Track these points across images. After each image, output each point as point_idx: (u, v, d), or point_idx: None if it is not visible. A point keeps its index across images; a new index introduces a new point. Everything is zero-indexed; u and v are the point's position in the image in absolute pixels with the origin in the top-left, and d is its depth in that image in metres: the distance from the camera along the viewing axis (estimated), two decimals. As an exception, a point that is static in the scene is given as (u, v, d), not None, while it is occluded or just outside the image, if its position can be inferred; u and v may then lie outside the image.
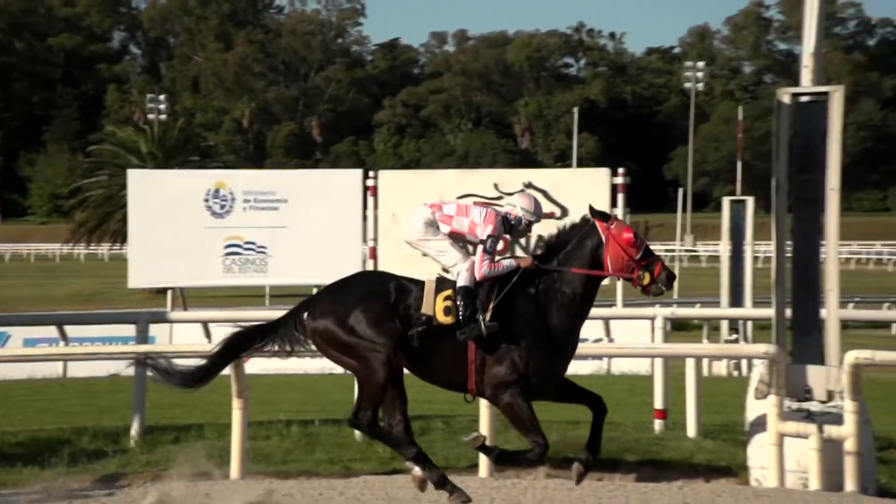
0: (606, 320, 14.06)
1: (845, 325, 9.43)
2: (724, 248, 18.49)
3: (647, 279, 6.57)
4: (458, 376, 6.64)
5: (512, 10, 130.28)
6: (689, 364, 9.73)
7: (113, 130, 43.59)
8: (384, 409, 6.69)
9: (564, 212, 14.70)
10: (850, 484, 7.51)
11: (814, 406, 7.94)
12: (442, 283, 6.68)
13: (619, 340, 14.27)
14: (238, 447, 8.12)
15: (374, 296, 6.65)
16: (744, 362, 15.04)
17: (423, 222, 6.82)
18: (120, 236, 33.19)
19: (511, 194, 14.38)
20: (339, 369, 15.14)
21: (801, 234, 8.32)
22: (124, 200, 19.39)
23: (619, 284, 15.43)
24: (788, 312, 8.31)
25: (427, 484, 6.64)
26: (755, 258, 18.56)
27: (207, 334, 14.05)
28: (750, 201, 18.53)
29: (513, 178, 15.09)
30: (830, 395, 7.96)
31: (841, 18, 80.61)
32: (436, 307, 6.57)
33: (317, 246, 13.72)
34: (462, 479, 7.69)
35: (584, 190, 14.65)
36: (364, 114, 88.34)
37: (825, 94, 8.15)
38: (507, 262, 6.75)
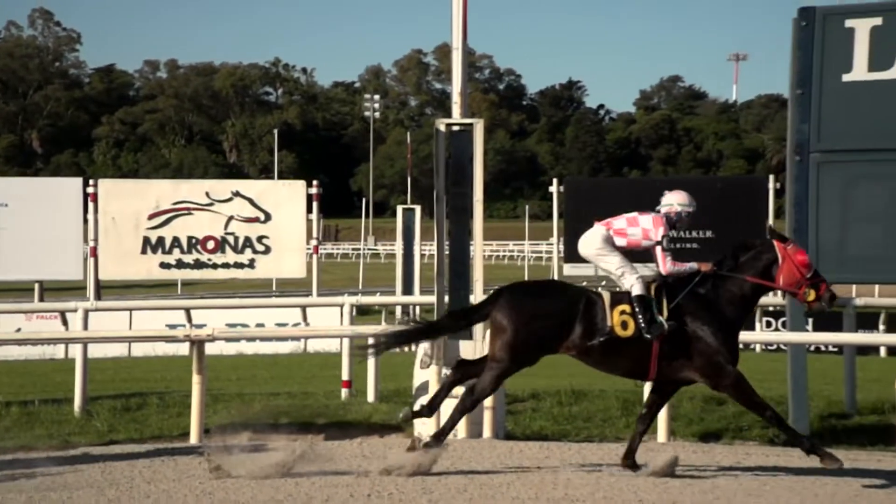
0: (304, 307, 14.05)
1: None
2: (398, 247, 18.89)
3: (812, 296, 6.45)
4: (639, 368, 6.49)
5: (218, 44, 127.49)
6: (371, 342, 9.93)
7: None
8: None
9: (267, 216, 14.62)
10: (487, 431, 7.83)
11: (465, 372, 8.26)
12: (617, 297, 6.44)
13: (314, 324, 14.31)
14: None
15: (563, 309, 6.38)
16: (413, 340, 15.43)
17: (600, 239, 6.55)
18: None
19: (223, 201, 14.22)
20: (60, 353, 14.21)
21: (456, 236, 8.52)
22: None
23: (315, 277, 15.59)
24: (447, 298, 8.54)
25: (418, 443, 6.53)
26: (422, 255, 19.13)
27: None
28: (418, 209, 19.05)
29: (222, 187, 14.83)
30: (477, 363, 8.33)
31: (479, 67, 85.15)
32: (613, 321, 6.34)
33: (38, 246, 13.03)
34: (174, 446, 7.52)
35: (284, 198, 14.66)
36: (83, 129, 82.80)
37: (470, 125, 8.37)
38: (690, 265, 6.53)
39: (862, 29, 7.89)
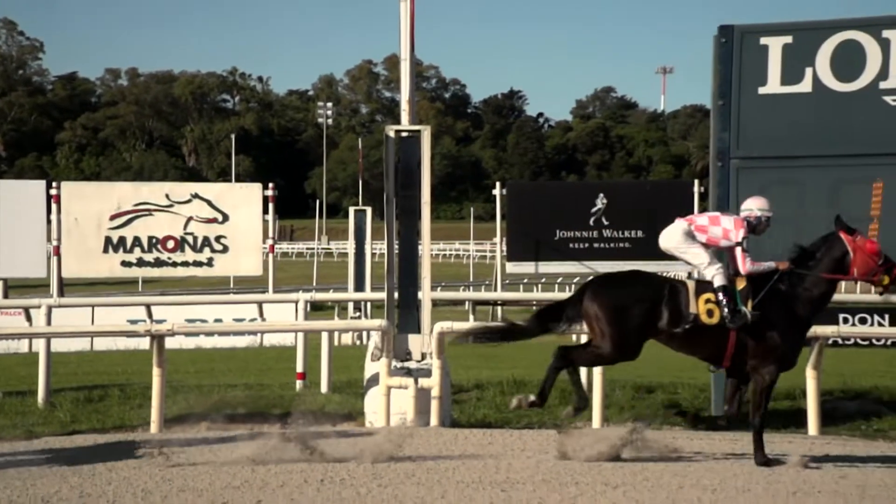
0: (260, 304, 13.93)
1: (435, 303, 9.94)
2: (350, 246, 18.88)
3: (886, 280, 6.39)
4: (718, 354, 6.40)
5: (177, 53, 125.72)
6: (324, 336, 9.81)
7: None
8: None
9: (225, 217, 14.48)
10: (434, 420, 7.81)
11: (412, 364, 8.16)
12: (701, 286, 6.35)
13: (270, 319, 14.19)
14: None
15: (650, 296, 6.29)
16: (364, 334, 15.46)
17: (682, 233, 6.46)
18: None
19: (182, 203, 14.04)
20: (24, 348, 13.93)
21: (405, 236, 8.54)
22: None
23: (271, 275, 15.45)
24: (396, 295, 8.54)
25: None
26: (373, 254, 19.12)
27: None
28: (369, 211, 19.08)
29: (181, 189, 14.67)
30: (423, 356, 8.22)
31: (426, 76, 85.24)
32: (699, 308, 6.26)
33: (2, 245, 12.83)
34: (135, 435, 7.41)
35: (241, 200, 14.55)
36: (47, 134, 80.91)
37: (418, 131, 8.40)
38: (768, 264, 6.46)
39: (775, 46, 8.07)
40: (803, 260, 6.51)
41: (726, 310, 6.30)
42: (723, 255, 6.65)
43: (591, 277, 6.88)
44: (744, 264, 6.43)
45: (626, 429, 6.66)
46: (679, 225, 6.60)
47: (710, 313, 6.33)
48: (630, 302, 6.36)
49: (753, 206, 6.62)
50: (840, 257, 6.46)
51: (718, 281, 6.38)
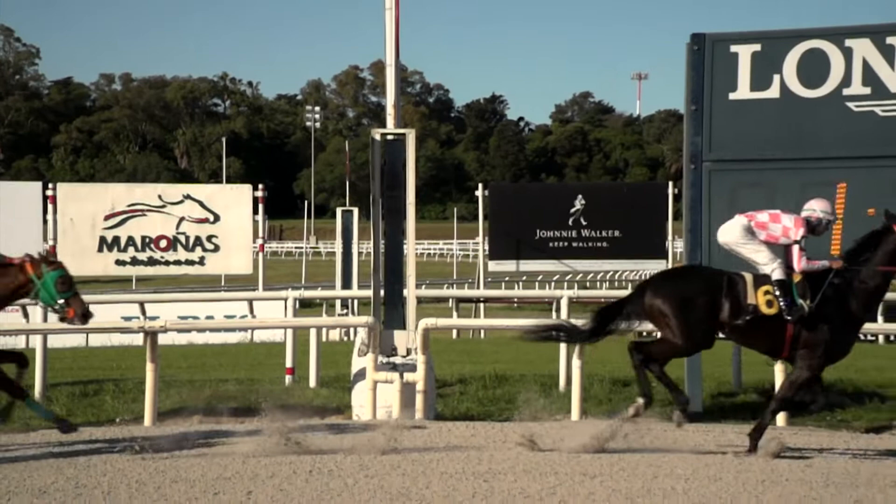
0: (250, 301, 13.89)
1: (419, 301, 9.95)
2: (337, 245, 18.86)
3: None
4: (777, 347, 6.38)
5: (170, 58, 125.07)
6: (313, 332, 9.80)
7: None
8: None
9: (216, 217, 14.43)
10: (419, 413, 7.81)
11: (398, 360, 8.16)
12: (759, 279, 6.29)
13: (260, 316, 14.15)
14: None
15: (710, 288, 6.23)
16: (351, 330, 15.46)
17: (741, 228, 6.39)
18: None
19: (174, 203, 13.97)
20: (21, 344, 13.84)
21: (391, 236, 8.54)
22: None
23: (261, 273, 15.41)
24: (383, 293, 8.55)
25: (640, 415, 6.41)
26: (360, 253, 19.11)
27: None
28: (356, 211, 19.07)
29: (174, 190, 14.61)
30: (409, 351, 8.22)
31: (411, 82, 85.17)
32: (758, 300, 6.21)
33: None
34: (129, 429, 7.38)
35: (231, 201, 14.51)
36: (43, 137, 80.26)
37: (403, 135, 8.39)
38: (822, 262, 6.40)
39: (744, 54, 8.12)
40: (855, 256, 6.46)
41: (783, 303, 6.28)
42: (779, 251, 6.57)
43: (647, 277, 6.76)
44: (799, 262, 6.38)
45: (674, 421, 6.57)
46: (739, 220, 6.55)
47: (769, 304, 6.31)
48: (691, 293, 6.33)
49: (817, 207, 6.55)
50: (894, 250, 6.39)
51: (777, 275, 6.34)
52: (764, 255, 6.44)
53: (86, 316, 6.50)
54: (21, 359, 6.65)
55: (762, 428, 6.55)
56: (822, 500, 5.55)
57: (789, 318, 6.30)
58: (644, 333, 8.46)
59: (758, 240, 6.47)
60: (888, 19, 13.39)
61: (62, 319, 6.55)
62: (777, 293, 6.32)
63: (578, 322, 6.84)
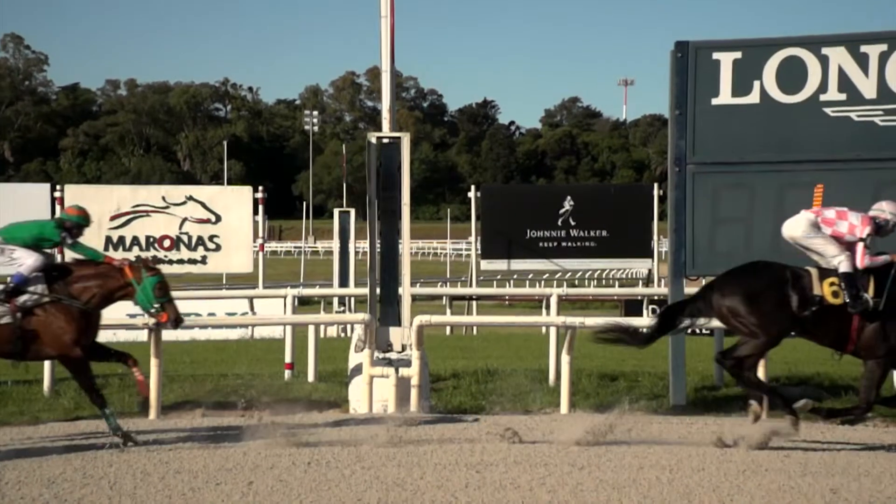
0: (251, 299, 13.87)
1: (414, 298, 9.95)
2: (335, 245, 18.85)
3: None
4: (841, 340, 6.28)
5: (173, 65, 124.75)
6: (311, 329, 9.77)
7: None
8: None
9: (218, 218, 14.43)
10: (413, 407, 7.78)
11: (393, 355, 8.16)
12: (824, 271, 6.22)
13: (260, 313, 14.15)
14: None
15: (776, 281, 6.14)
16: (348, 327, 15.45)
17: (808, 223, 6.33)
18: None
19: (177, 204, 13.94)
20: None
21: (387, 235, 8.53)
22: None
23: (261, 272, 15.39)
24: (378, 290, 8.53)
25: (761, 417, 6.35)
26: (356, 252, 19.10)
27: None
28: (353, 212, 19.07)
29: (177, 192, 14.60)
30: (404, 347, 8.22)
31: (406, 87, 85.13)
32: (824, 291, 6.14)
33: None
34: (133, 421, 7.38)
35: (232, 202, 14.52)
36: (51, 140, 80.00)
37: (398, 138, 8.40)
38: (884, 257, 6.32)
39: (726, 61, 8.15)
40: None
41: (848, 295, 6.20)
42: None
43: (711, 279, 6.62)
44: (862, 259, 6.31)
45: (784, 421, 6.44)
46: (805, 216, 6.48)
47: (835, 294, 6.23)
48: (759, 288, 6.26)
49: (886, 208, 6.48)
50: None
51: (844, 268, 6.27)
52: (833, 248, 6.35)
53: (178, 321, 6.53)
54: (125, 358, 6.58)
55: (853, 419, 6.55)
56: (800, 488, 5.58)
57: (853, 309, 6.20)
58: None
59: (823, 235, 6.38)
60: (863, 28, 13.43)
61: (156, 324, 6.59)
62: (843, 285, 6.24)
63: (642, 322, 6.76)
